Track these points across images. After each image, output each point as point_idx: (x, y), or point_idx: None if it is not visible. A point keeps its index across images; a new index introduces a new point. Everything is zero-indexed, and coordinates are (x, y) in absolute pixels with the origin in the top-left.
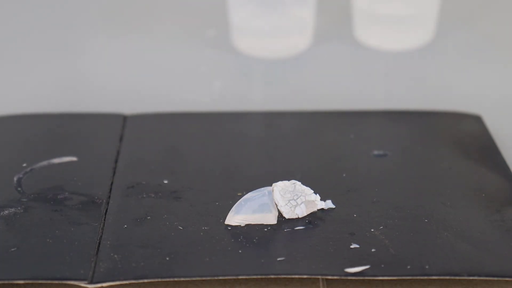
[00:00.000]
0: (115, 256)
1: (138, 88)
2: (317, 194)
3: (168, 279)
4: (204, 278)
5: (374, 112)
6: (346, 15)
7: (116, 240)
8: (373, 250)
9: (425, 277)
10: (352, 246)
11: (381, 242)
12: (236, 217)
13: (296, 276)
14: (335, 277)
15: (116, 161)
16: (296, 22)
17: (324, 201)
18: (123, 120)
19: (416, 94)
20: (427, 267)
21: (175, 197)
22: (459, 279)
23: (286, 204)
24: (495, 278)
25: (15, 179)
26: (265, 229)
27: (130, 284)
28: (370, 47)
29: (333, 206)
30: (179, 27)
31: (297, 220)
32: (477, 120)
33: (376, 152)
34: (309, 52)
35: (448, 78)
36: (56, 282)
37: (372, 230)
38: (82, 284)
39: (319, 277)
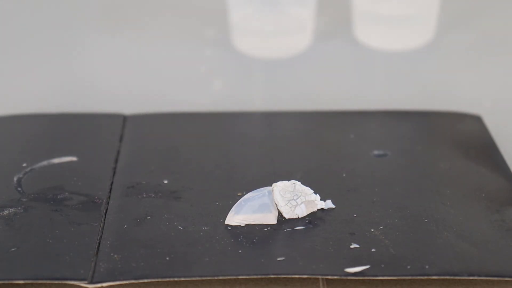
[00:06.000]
0: (115, 256)
1: (138, 88)
2: (317, 194)
3: (168, 279)
4: (204, 278)
5: (374, 112)
6: (346, 15)
7: (116, 240)
8: (373, 250)
9: (425, 277)
10: (352, 246)
11: (381, 242)
12: (236, 217)
13: (296, 276)
14: (335, 277)
15: (116, 161)
16: (296, 22)
17: (324, 201)
18: (123, 120)
19: (416, 94)
20: (427, 267)
21: (175, 197)
22: (459, 279)
23: (286, 204)
24: (495, 278)
25: (15, 179)
26: (265, 229)
27: (130, 284)
28: (370, 47)
29: (333, 206)
30: (179, 27)
31: (297, 220)
32: (477, 120)
33: (376, 152)
34: (309, 52)
35: (448, 78)
36: (56, 282)
37: (372, 230)
38: (82, 284)
39: (319, 277)
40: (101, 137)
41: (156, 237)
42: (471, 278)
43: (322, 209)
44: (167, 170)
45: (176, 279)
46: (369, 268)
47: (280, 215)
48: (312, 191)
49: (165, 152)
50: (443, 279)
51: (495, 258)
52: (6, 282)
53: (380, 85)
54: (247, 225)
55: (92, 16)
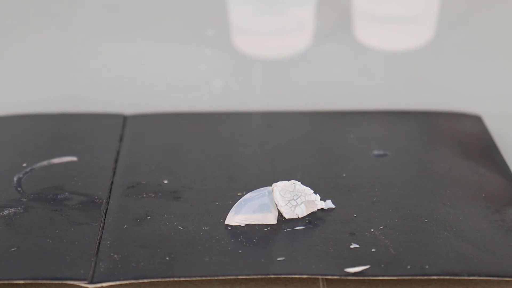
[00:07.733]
0: (115, 256)
1: (138, 88)
2: (317, 194)
3: (168, 279)
4: (204, 278)
5: (374, 112)
6: (346, 15)
7: (116, 240)
8: (373, 250)
9: (425, 277)
10: (352, 246)
11: (381, 242)
12: (236, 217)
13: (296, 276)
14: (335, 277)
15: (116, 161)
16: (296, 22)
17: (324, 201)
18: (123, 120)
19: (416, 94)
20: (427, 267)
21: (175, 197)
22: (459, 279)
23: (286, 204)
24: (495, 278)
25: (15, 179)
26: (265, 229)
27: (130, 284)
28: (370, 47)
29: (333, 206)
30: (179, 27)
31: (297, 220)
32: (477, 120)
33: (376, 152)
34: (309, 52)
35: (448, 78)
36: (56, 282)
37: (372, 230)
38: (82, 284)
39: (319, 277)
40: (101, 137)
41: (156, 237)
42: (471, 278)
43: (322, 209)
44: (167, 170)
45: (176, 279)
46: (369, 268)
47: (280, 215)
48: (312, 191)
49: (165, 152)
50: (443, 279)
51: (495, 258)
52: (6, 282)
53: (380, 85)
54: (247, 225)
55: (92, 16)
